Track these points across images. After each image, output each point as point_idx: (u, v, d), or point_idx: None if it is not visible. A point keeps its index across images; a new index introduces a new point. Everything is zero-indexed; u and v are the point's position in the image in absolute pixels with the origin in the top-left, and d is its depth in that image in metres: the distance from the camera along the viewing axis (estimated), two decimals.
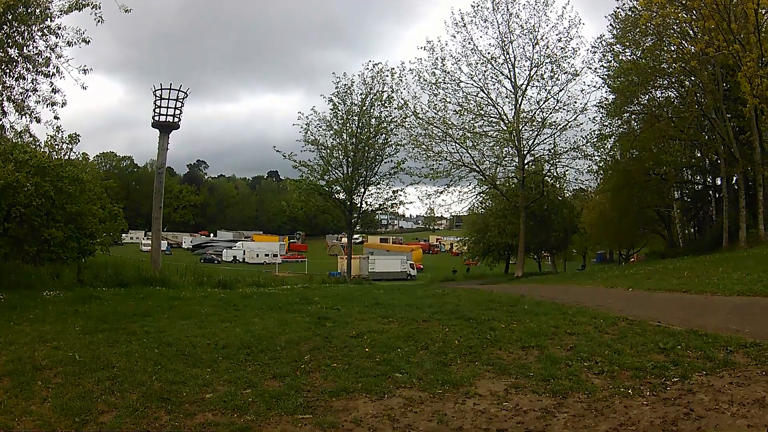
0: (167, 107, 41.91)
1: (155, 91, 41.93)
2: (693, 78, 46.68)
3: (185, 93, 42.78)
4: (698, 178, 62.72)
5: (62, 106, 26.04)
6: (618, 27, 51.83)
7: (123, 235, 67.32)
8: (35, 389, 8.54)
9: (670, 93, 53.01)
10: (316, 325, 13.62)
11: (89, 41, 26.13)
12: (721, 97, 44.43)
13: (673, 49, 46.34)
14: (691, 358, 9.72)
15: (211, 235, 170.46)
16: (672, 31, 45.47)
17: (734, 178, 48.40)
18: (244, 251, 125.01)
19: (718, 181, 54.53)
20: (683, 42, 45.72)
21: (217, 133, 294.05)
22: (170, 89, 41.98)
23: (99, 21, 24.50)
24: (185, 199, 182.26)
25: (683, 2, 41.95)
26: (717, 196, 55.70)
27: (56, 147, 37.46)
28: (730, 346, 10.16)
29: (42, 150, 36.00)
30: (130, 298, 18.01)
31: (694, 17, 43.21)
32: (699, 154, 56.70)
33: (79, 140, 39.01)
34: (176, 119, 42.26)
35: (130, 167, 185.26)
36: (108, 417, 7.54)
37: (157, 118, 42.03)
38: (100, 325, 13.10)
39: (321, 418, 7.58)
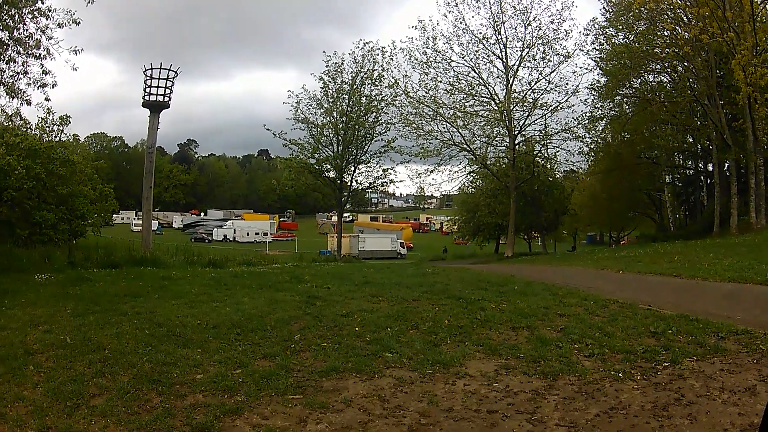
0: (158, 86, 41.67)
1: (146, 70, 41.70)
2: (686, 64, 46.82)
3: (176, 72, 42.61)
4: (690, 163, 63.22)
5: (53, 88, 26.02)
6: (611, 10, 51.89)
7: (114, 215, 66.88)
8: (27, 374, 8.49)
9: (662, 78, 53.25)
10: (306, 304, 13.58)
11: (80, 22, 26.07)
12: (715, 84, 44.56)
13: (666, 34, 46.34)
14: (682, 343, 9.76)
15: (202, 214, 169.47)
16: (666, 17, 45.38)
17: (726, 164, 48.84)
18: (235, 230, 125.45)
19: (710, 167, 55.32)
20: (677, 28, 45.73)
21: (209, 111, 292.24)
22: (161, 68, 41.78)
23: (89, 2, 24.40)
24: (176, 179, 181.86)
25: None
26: (708, 181, 56.28)
27: (47, 129, 37.38)
28: (721, 333, 10.19)
29: (33, 132, 35.90)
30: (120, 279, 17.87)
31: (688, 3, 43.20)
32: (691, 140, 57.12)
33: (69, 122, 38.96)
34: (166, 98, 42.01)
35: (121, 147, 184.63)
36: (100, 400, 7.50)
37: (147, 97, 41.77)
38: (91, 306, 13.01)
39: (311, 399, 7.60)
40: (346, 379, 8.41)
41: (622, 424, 6.79)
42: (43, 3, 25.18)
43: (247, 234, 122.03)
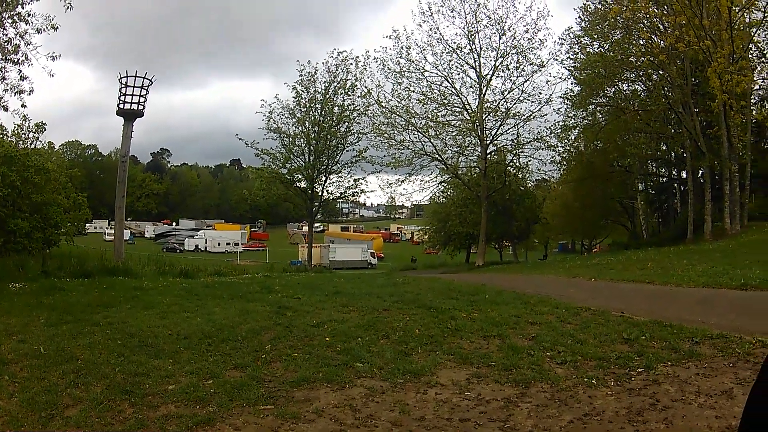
0: (132, 95, 42.01)
1: (121, 78, 41.93)
2: (661, 72, 47.22)
3: (150, 80, 42.90)
4: (663, 170, 64.01)
5: (30, 94, 25.92)
6: (587, 20, 52.33)
7: (87, 224, 66.54)
8: (2, 384, 8.41)
9: (637, 86, 53.78)
10: (276, 314, 13.54)
11: (58, 28, 25.98)
12: (690, 92, 44.99)
13: (641, 43, 46.87)
14: (656, 348, 9.76)
15: (174, 224, 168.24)
16: (641, 26, 45.89)
17: (700, 171, 49.49)
18: (206, 240, 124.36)
19: (684, 174, 55.42)
20: (653, 36, 46.19)
21: (183, 120, 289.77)
22: (135, 76, 42.06)
23: (68, 7, 24.35)
24: (148, 188, 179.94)
25: None
26: (682, 188, 56.97)
27: (23, 136, 37.23)
28: (695, 338, 10.21)
29: (9, 139, 35.70)
30: (93, 289, 17.81)
31: (665, 12, 43.61)
32: (664, 147, 57.51)
33: (45, 129, 38.87)
34: (141, 107, 42.34)
35: (95, 156, 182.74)
36: (73, 411, 7.44)
37: (121, 105, 42.05)
38: (64, 316, 12.96)
39: (283, 409, 7.54)
40: (318, 389, 8.35)
41: (597, 430, 6.80)
42: (23, 8, 25.11)
43: (219, 244, 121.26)
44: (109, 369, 8.99)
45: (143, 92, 42.07)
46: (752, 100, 47.22)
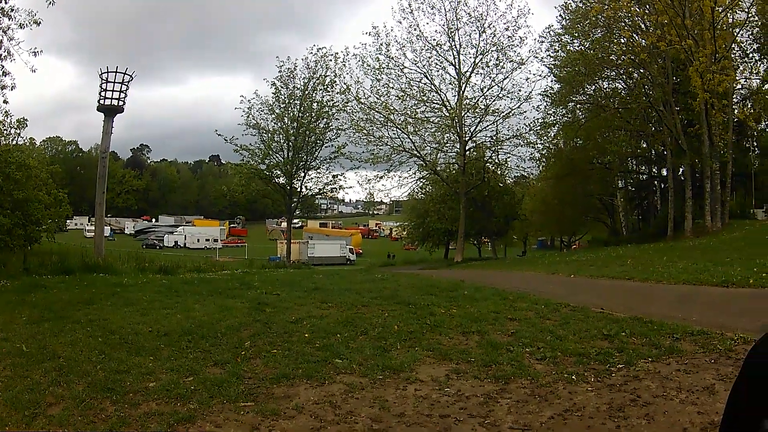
0: (113, 90, 41.86)
1: (102, 74, 41.81)
2: (642, 70, 47.59)
3: (131, 76, 42.87)
4: (643, 168, 64.14)
5: (12, 90, 25.80)
6: (568, 18, 52.70)
7: (67, 221, 66.37)
8: None
9: (617, 84, 54.19)
10: (255, 310, 13.60)
11: (40, 23, 25.88)
12: (671, 90, 45.25)
13: (623, 41, 47.17)
14: (636, 344, 9.78)
15: (153, 220, 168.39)
16: (623, 24, 46.17)
17: (681, 169, 49.74)
18: (185, 236, 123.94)
19: (664, 172, 55.67)
20: (634, 35, 46.51)
21: (163, 116, 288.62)
22: (116, 72, 41.97)
23: (50, 3, 24.26)
24: (128, 184, 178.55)
25: None
26: (662, 186, 57.26)
27: (4, 132, 37.01)
28: (676, 334, 10.23)
29: None
30: (74, 286, 17.78)
31: (647, 11, 43.94)
32: (645, 145, 57.64)
33: (27, 125, 38.67)
34: (121, 103, 42.24)
35: (75, 152, 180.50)
36: (56, 409, 7.38)
37: (102, 101, 41.87)
38: (45, 314, 12.95)
39: (263, 406, 7.48)
40: (297, 385, 8.32)
41: (578, 426, 6.76)
42: (6, 3, 24.99)
43: (198, 240, 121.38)
44: (90, 366, 8.95)
45: (123, 88, 42.05)
46: (734, 99, 47.41)
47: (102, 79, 41.60)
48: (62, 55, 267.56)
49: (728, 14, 42.93)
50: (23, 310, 13.52)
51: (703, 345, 9.53)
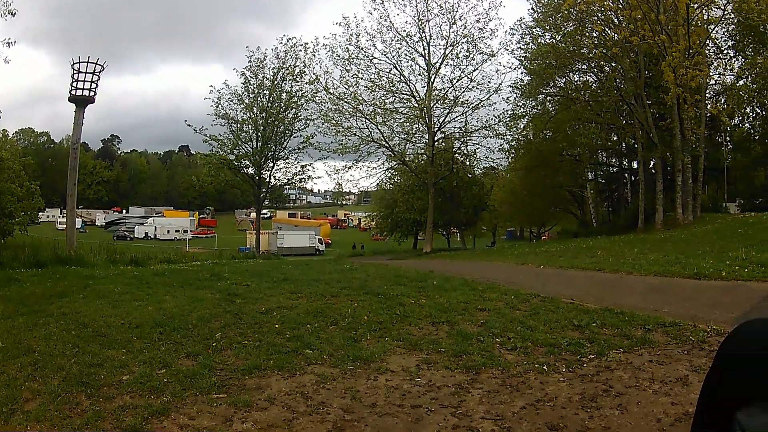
0: (84, 81, 41.66)
1: (73, 64, 41.65)
2: (614, 64, 47.84)
3: (102, 66, 42.62)
4: (613, 160, 65.06)
5: None
6: (539, 11, 52.80)
7: (39, 213, 66.06)
8: None
9: (588, 77, 54.38)
10: (226, 301, 13.65)
11: (15, 13, 25.77)
12: (642, 85, 45.51)
13: (595, 35, 47.47)
14: (607, 335, 9.86)
15: (124, 211, 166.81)
16: (595, 18, 46.29)
17: (651, 162, 50.33)
18: (156, 227, 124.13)
19: (635, 165, 56.26)
20: (606, 29, 46.86)
21: (134, 106, 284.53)
22: (87, 62, 41.84)
23: None
24: (99, 175, 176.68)
25: None
26: (633, 179, 58.02)
27: None
28: (648, 325, 10.32)
29: None
30: (47, 279, 17.73)
31: (620, 6, 44.11)
32: (615, 138, 58.23)
33: (0, 117, 38.61)
34: (92, 93, 42.00)
35: (47, 143, 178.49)
36: (33, 405, 7.34)
37: (73, 92, 41.68)
38: (19, 308, 12.89)
39: (235, 397, 7.50)
40: (269, 376, 8.34)
41: (550, 416, 6.76)
42: None
43: (168, 231, 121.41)
44: (65, 360, 8.91)
45: (95, 78, 41.78)
46: (707, 95, 47.90)
47: (74, 70, 41.43)
48: (36, 44, 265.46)
49: (703, 11, 43.25)
50: None
51: (676, 336, 9.62)
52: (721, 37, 47.96)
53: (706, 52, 45.32)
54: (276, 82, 51.90)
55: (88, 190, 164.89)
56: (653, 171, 49.78)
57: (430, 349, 9.44)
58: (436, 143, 55.57)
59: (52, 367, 8.62)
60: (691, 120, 43.49)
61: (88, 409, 7.21)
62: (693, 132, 44.18)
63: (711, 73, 46.23)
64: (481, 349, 9.25)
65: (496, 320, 11.12)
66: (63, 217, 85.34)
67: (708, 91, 47.88)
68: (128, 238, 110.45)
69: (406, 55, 54.24)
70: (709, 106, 46.83)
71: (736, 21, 45.95)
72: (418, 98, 54.15)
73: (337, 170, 57.11)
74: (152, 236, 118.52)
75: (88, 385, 7.88)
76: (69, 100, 41.69)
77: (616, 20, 46.18)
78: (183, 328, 10.84)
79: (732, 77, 48.74)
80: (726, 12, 44.15)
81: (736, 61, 48.78)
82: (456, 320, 11.25)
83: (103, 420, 6.94)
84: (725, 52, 48.84)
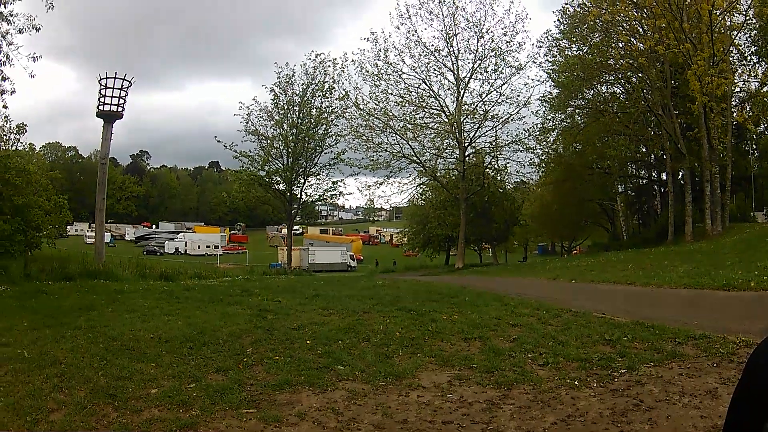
0: (112, 96, 41.77)
1: (100, 80, 41.73)
2: (640, 74, 47.34)
3: (129, 82, 42.66)
4: (643, 172, 64.03)
5: (11, 94, 25.81)
6: (565, 23, 52.70)
7: (68, 227, 66.28)
8: None
9: (616, 88, 54.05)
10: (257, 317, 13.65)
11: (40, 28, 25.90)
12: (669, 94, 45.10)
13: (621, 45, 46.93)
14: (638, 349, 9.79)
15: (154, 226, 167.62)
16: (621, 29, 46.00)
17: (680, 173, 49.64)
18: (186, 243, 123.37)
19: (664, 176, 55.52)
20: (632, 39, 46.37)
21: (162, 122, 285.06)
22: (115, 78, 41.86)
23: (50, 7, 24.28)
24: (128, 190, 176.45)
25: (634, 0, 42.49)
26: (662, 190, 57.10)
27: (3, 137, 36.97)
28: (678, 338, 10.25)
29: None
30: (75, 292, 17.81)
31: (644, 15, 43.95)
32: (644, 149, 57.50)
33: (26, 130, 38.71)
34: (120, 109, 42.11)
35: (75, 158, 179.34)
36: (58, 415, 7.35)
37: (101, 107, 41.83)
38: (46, 320, 12.89)
39: (265, 413, 7.47)
40: (299, 392, 8.32)
41: (581, 431, 6.76)
42: (5, 7, 25.01)
43: (198, 247, 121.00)
44: (92, 373, 8.91)
45: (123, 94, 41.82)
46: (733, 102, 47.46)
47: (101, 85, 41.52)
48: (61, 60, 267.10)
49: (726, 17, 42.88)
50: (24, 315, 13.50)
51: (705, 349, 9.55)
52: (744, 43, 47.80)
53: (730, 59, 45.01)
54: (305, 98, 51.47)
55: (117, 205, 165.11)
56: (682, 182, 49.31)
57: (462, 365, 9.40)
58: (467, 158, 55.43)
59: (79, 379, 8.64)
60: (717, 129, 43.15)
61: (115, 421, 7.23)
62: (720, 141, 43.82)
63: (735, 81, 45.71)
64: (513, 365, 9.23)
65: (528, 336, 11.10)
66: (92, 231, 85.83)
67: (733, 98, 47.48)
68: (158, 253, 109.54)
69: (434, 69, 54.31)
70: (735, 114, 46.38)
71: (758, 26, 45.71)
72: (447, 113, 54.16)
73: (369, 186, 57.27)
74: (183, 252, 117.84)
75: (116, 398, 7.89)
76: (97, 116, 41.85)
77: (641, 30, 45.96)
78: (213, 343, 10.85)
79: (756, 83, 48.19)
80: (747, 18, 43.93)
81: (760, 67, 48.41)
82: (488, 336, 11.19)
83: None
84: (749, 58, 48.59)
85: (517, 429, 6.93)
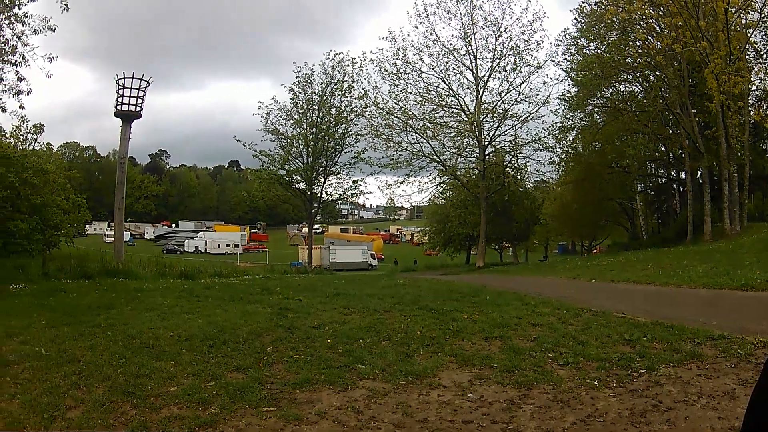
0: (129, 96, 41.92)
1: (118, 79, 41.92)
2: (658, 73, 47.34)
3: (147, 82, 42.81)
4: (662, 171, 63.67)
5: (28, 95, 25.88)
6: (583, 21, 52.46)
7: (86, 226, 66.38)
8: (4, 385, 8.33)
9: (634, 87, 53.70)
10: (277, 315, 13.60)
11: (55, 29, 26.00)
12: (687, 93, 44.96)
13: (638, 44, 46.93)
14: (658, 349, 9.76)
15: (173, 225, 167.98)
16: (638, 27, 45.95)
17: (699, 172, 49.25)
18: (206, 241, 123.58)
19: (683, 175, 55.36)
20: (649, 37, 46.34)
21: (180, 121, 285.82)
22: (132, 78, 42.00)
23: (64, 8, 24.36)
24: (147, 189, 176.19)
25: None
26: (681, 189, 56.85)
27: (21, 137, 37.08)
28: (697, 338, 10.19)
29: (7, 141, 35.57)
30: (94, 290, 17.86)
31: (661, 13, 43.86)
32: (663, 148, 57.25)
33: (43, 130, 38.80)
34: (138, 108, 42.27)
35: (93, 157, 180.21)
36: (76, 412, 7.37)
37: (119, 107, 42.01)
38: (65, 318, 12.95)
39: (285, 411, 7.48)
40: (320, 390, 8.33)
41: None
42: (19, 9, 25.11)
43: (219, 245, 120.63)
44: (110, 370, 8.93)
45: (141, 94, 41.98)
46: (750, 101, 47.29)
47: (119, 85, 41.69)
48: (78, 61, 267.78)
49: (741, 15, 42.82)
50: (42, 313, 13.56)
51: (724, 349, 9.52)
52: (760, 41, 47.28)
53: (746, 57, 44.77)
54: (325, 98, 51.40)
55: (137, 204, 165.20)
56: (701, 181, 48.94)
57: (483, 365, 9.40)
58: (487, 157, 55.43)
59: (97, 377, 8.66)
60: (735, 128, 43.05)
61: (134, 418, 7.26)
62: (737, 140, 43.72)
63: (752, 79, 45.69)
64: (533, 365, 9.23)
65: (549, 335, 11.10)
66: (111, 229, 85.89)
67: (750, 97, 47.34)
68: (178, 252, 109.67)
69: (453, 68, 54.18)
70: (752, 113, 46.23)
71: None
72: (467, 112, 54.08)
73: (389, 185, 57.26)
74: (203, 250, 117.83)
75: (134, 395, 7.92)
76: (115, 115, 42.02)
77: (658, 28, 45.85)
78: (233, 342, 10.86)
79: None
80: (763, 15, 43.60)
81: None
82: (509, 335, 11.19)
83: (149, 430, 6.99)
84: (765, 56, 48.13)
85: (536, 429, 6.94)
